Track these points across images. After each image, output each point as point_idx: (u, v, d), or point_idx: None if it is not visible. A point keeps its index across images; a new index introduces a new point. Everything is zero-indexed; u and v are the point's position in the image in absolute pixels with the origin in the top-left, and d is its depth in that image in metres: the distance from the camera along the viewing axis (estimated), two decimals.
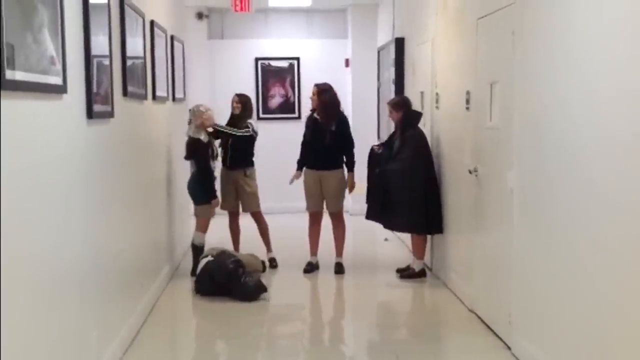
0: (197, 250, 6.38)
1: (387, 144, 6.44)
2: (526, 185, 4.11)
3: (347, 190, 6.60)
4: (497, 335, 4.64)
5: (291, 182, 6.69)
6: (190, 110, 6.51)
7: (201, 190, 6.36)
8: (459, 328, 5.01)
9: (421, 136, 6.23)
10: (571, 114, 3.47)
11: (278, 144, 9.28)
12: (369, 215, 6.43)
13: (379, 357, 4.61)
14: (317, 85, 6.58)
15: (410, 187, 6.03)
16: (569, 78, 3.50)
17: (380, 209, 6.23)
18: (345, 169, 6.53)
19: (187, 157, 6.42)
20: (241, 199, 6.75)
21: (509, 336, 4.42)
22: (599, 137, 3.18)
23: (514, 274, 4.30)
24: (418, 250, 6.31)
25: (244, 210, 6.81)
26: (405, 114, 6.27)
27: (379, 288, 6.40)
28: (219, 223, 6.95)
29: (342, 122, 6.53)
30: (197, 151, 6.27)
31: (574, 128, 3.44)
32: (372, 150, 6.51)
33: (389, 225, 6.48)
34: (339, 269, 6.57)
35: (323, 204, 6.65)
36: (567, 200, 3.51)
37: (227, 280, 5.65)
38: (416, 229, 6.21)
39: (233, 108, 6.77)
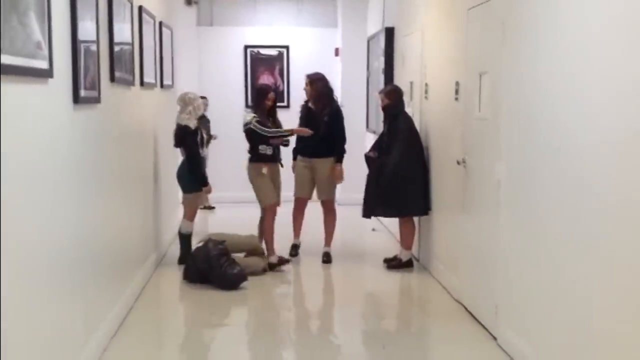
0: (185, 238, 6.36)
1: (378, 145, 6.40)
2: (513, 177, 4.11)
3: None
4: (482, 326, 4.66)
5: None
6: (180, 97, 6.42)
7: (189, 178, 6.32)
8: (445, 318, 5.03)
9: (411, 122, 6.23)
10: (559, 106, 3.47)
11: None
12: (368, 213, 6.32)
13: (365, 346, 4.62)
14: (308, 76, 6.54)
15: (408, 170, 6.02)
16: (557, 70, 3.50)
17: (377, 200, 6.20)
18: (335, 160, 6.48)
19: (176, 145, 6.38)
20: (277, 190, 6.46)
21: (494, 327, 4.44)
22: (587, 129, 3.18)
23: (500, 265, 4.31)
24: (405, 241, 6.32)
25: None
26: (395, 102, 6.26)
27: (365, 278, 6.40)
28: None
29: (336, 114, 6.49)
30: (185, 138, 6.22)
31: (561, 120, 3.44)
32: (368, 157, 6.42)
33: (388, 213, 6.45)
34: (327, 258, 6.57)
35: (310, 192, 6.63)
36: (554, 192, 3.52)
37: (208, 268, 5.63)
38: (410, 212, 6.21)
39: (267, 105, 6.29)
